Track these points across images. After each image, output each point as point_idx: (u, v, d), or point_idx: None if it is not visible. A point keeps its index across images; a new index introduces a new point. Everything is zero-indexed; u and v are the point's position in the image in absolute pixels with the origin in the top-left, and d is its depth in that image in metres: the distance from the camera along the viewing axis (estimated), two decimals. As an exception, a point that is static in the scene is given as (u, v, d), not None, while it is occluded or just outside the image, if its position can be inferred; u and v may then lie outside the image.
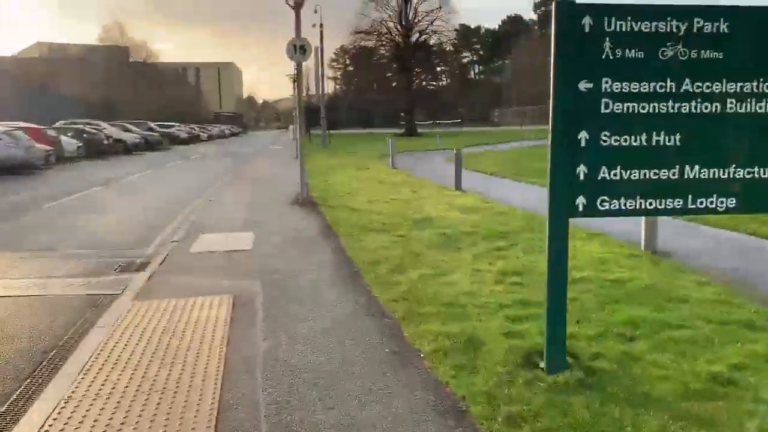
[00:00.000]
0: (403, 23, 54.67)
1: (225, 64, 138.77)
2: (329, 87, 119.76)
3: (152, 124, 46.53)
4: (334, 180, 17.03)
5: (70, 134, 28.63)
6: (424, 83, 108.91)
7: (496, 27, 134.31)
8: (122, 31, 72.15)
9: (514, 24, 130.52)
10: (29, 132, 23.41)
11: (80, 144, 27.28)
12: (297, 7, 11.99)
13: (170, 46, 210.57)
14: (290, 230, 9.41)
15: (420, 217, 10.11)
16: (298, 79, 12.26)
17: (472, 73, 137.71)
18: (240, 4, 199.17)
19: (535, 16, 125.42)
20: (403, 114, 76.59)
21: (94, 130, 30.27)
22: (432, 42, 56.80)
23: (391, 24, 55.23)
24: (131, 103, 61.14)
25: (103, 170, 22.65)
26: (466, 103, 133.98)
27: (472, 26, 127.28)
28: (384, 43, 57.03)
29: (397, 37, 55.78)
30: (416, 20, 54.77)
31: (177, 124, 51.04)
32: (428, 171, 20.46)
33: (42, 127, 25.32)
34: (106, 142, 30.31)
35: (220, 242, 8.44)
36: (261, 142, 57.97)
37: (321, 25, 38.04)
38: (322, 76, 38.60)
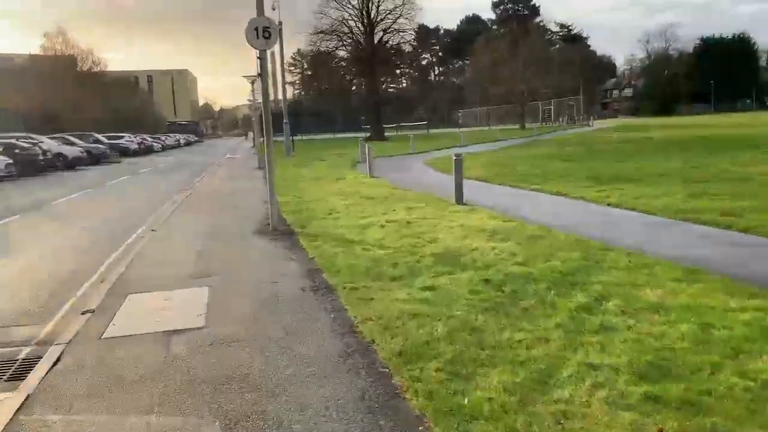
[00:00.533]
0: (365, 22, 51.97)
1: (179, 72, 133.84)
2: (288, 92, 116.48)
3: (99, 136, 42.77)
4: (309, 195, 14.22)
5: (-1, 150, 25.11)
6: (384, 85, 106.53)
7: (455, 27, 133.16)
8: (66, 38, 67.52)
9: (472, 24, 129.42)
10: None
11: (9, 161, 23.77)
12: (257, -21, 9.20)
13: (120, 55, 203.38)
14: (263, 282, 6.59)
15: (438, 251, 7.43)
16: (262, 69, 9.40)
17: (432, 74, 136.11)
18: (193, 11, 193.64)
19: (493, 15, 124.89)
20: (363, 117, 74.06)
21: (28, 145, 26.71)
22: (395, 41, 54.19)
23: (352, 23, 52.43)
24: (78, 113, 57.08)
25: (31, 192, 19.37)
26: (427, 105, 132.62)
27: (431, 27, 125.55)
28: (346, 43, 54.22)
29: (359, 36, 53.02)
30: (378, 19, 52.11)
31: (127, 134, 47.26)
32: (412, 179, 17.83)
33: (-40, 143, 21.81)
34: (42, 158, 26.78)
35: (154, 312, 5.59)
36: (219, 150, 54.53)
37: (279, 23, 35.06)
38: (283, 74, 35.70)
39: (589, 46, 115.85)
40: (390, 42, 53.55)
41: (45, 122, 48.15)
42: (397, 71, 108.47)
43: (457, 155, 12.64)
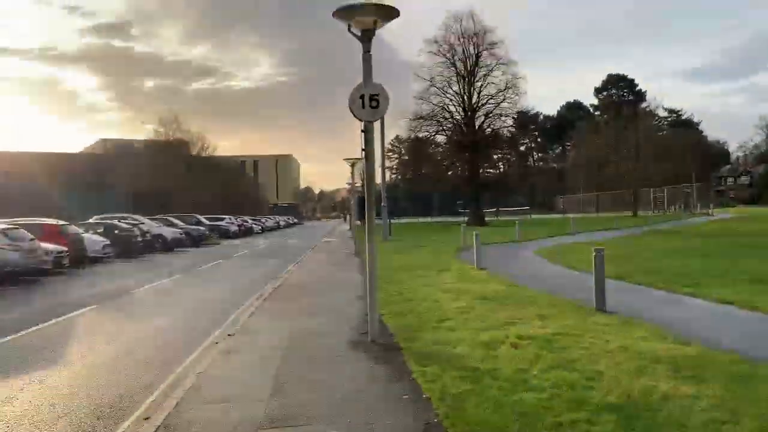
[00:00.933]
0: (466, 107, 51.06)
1: (283, 156, 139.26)
2: (386, 176, 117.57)
3: (201, 217, 43.43)
4: (412, 291, 12.17)
5: (99, 231, 25.13)
6: (482, 170, 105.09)
7: (555, 113, 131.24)
8: (178, 123, 71.37)
9: (573, 110, 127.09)
10: (43, 229, 19.82)
11: (107, 242, 23.57)
12: (366, 37, 7.66)
13: (227, 143, 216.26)
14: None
15: (613, 399, 5.08)
16: (367, 144, 7.67)
17: (531, 159, 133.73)
18: (297, 102, 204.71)
19: (596, 101, 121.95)
20: (459, 202, 72.39)
21: (128, 226, 26.71)
22: (497, 126, 52.72)
23: (453, 108, 51.64)
24: (187, 196, 59.11)
25: (120, 276, 18.64)
26: (525, 190, 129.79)
27: (531, 113, 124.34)
28: (446, 128, 53.33)
29: (459, 121, 52.06)
30: (479, 104, 51.07)
31: (228, 216, 47.85)
32: (527, 273, 15.46)
33: (61, 223, 21.73)
34: (140, 239, 26.62)
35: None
36: (317, 233, 54.22)
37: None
38: (383, 157, 34.75)
39: (701, 131, 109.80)
40: (491, 126, 52.18)
41: (155, 204, 49.90)
42: (495, 156, 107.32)
43: (598, 249, 10.26)
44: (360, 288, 13.48)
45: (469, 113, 50.82)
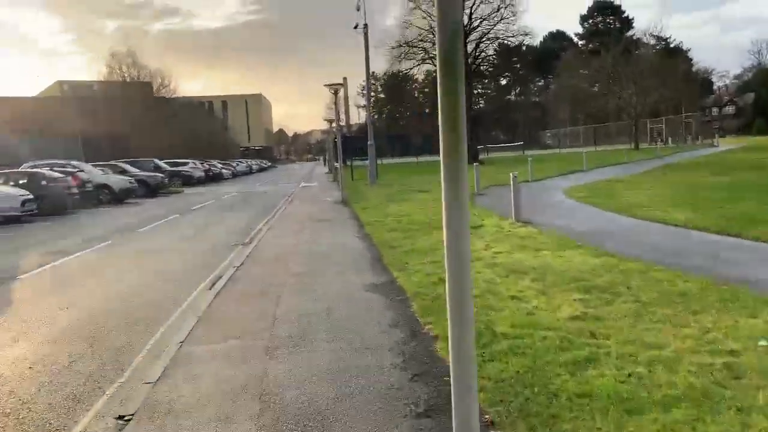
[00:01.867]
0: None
1: (253, 96, 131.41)
2: (359, 116, 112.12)
3: (161, 162, 38.21)
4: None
5: (22, 182, 20.07)
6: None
7: (537, 44, 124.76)
8: (134, 58, 64.68)
9: (557, 40, 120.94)
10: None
11: (29, 196, 18.57)
12: None
13: (197, 86, 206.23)
14: None
15: None
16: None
17: (513, 93, 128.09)
18: (267, 40, 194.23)
19: (581, 30, 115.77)
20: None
21: (60, 175, 21.58)
22: (491, 52, 47.44)
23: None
24: (148, 140, 53.28)
25: (26, 246, 13.81)
26: (507, 125, 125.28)
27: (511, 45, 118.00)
28: (432, 56, 47.81)
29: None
30: (472, 26, 45.51)
31: (192, 161, 42.54)
32: (589, 228, 11.12)
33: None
34: (76, 190, 21.56)
35: None
36: (292, 177, 49.28)
37: (365, 26, 29.25)
38: (368, 82, 29.73)
39: (691, 59, 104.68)
40: (485, 53, 46.84)
41: (112, 150, 44.33)
42: (476, 91, 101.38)
43: None
44: (366, 262, 8.97)
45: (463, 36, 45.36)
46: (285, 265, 9.22)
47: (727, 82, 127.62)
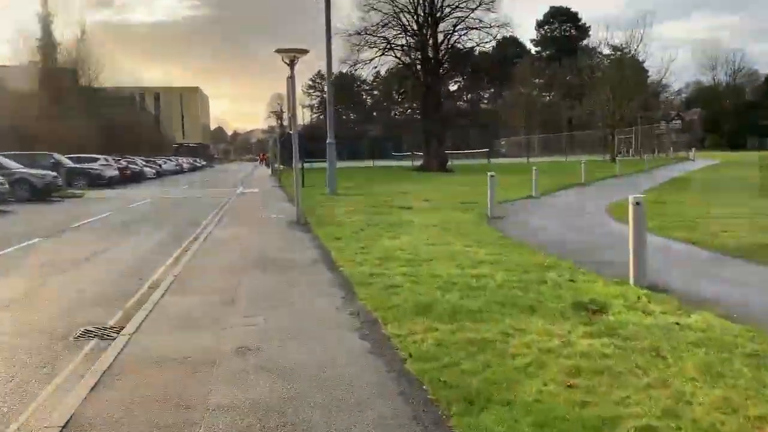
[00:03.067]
0: (424, 18, 39.64)
1: (189, 90, 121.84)
2: (305, 116, 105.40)
3: (62, 157, 30.67)
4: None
5: None
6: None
7: (490, 50, 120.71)
8: (48, 41, 55.97)
9: (509, 46, 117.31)
10: None
11: None
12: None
13: (130, 79, 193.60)
14: None
15: None
16: None
17: (463, 99, 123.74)
18: (208, 36, 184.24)
19: (536, 36, 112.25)
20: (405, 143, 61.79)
21: None
22: (469, 45, 41.85)
23: (406, 19, 39.91)
24: (57, 132, 44.97)
25: None
26: (455, 132, 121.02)
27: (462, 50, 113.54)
28: (394, 47, 41.71)
29: (413, 37, 40.62)
30: (441, 15, 39.69)
31: (103, 157, 34.87)
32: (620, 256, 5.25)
33: None
34: None
35: None
36: (229, 179, 42.24)
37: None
38: (329, 60, 23.36)
39: (647, 71, 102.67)
40: (459, 44, 41.06)
41: (7, 140, 36.32)
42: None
43: None
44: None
45: (428, 27, 39.41)
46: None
47: (669, 96, 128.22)
